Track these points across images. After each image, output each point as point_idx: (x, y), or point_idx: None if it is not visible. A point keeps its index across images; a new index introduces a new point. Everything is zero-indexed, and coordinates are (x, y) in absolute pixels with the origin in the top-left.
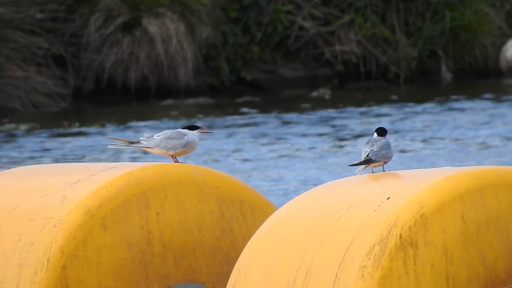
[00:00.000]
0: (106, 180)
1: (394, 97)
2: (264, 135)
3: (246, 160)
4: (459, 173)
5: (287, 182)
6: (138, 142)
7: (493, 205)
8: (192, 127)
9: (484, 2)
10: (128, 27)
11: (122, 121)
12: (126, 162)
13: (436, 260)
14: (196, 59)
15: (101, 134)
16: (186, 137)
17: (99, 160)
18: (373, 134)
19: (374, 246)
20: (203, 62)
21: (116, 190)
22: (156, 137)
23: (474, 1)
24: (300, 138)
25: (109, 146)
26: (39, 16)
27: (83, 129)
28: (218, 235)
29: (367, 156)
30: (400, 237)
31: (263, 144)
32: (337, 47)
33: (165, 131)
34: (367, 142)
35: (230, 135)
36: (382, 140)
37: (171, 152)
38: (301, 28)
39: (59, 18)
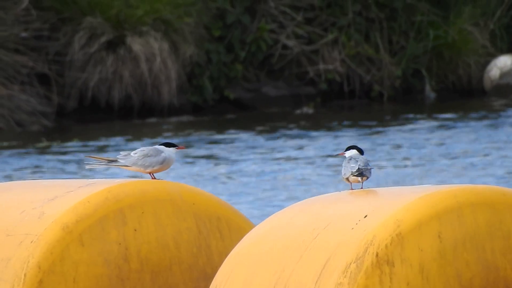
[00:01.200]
0: (84, 196)
1: (377, 115)
2: (245, 152)
3: (228, 177)
4: (436, 191)
5: (269, 200)
6: (115, 161)
7: (470, 224)
8: (168, 144)
9: (468, 21)
10: (112, 45)
11: (104, 139)
12: (104, 179)
13: (412, 278)
14: (179, 77)
15: (83, 151)
16: (163, 154)
17: (79, 176)
18: (344, 151)
19: (350, 264)
20: (186, 81)
21: (94, 207)
22: (133, 154)
23: (458, 20)
24: (282, 155)
25: (87, 167)
26: (23, 34)
27: (65, 147)
28: (195, 251)
29: (358, 170)
30: (377, 255)
31: (244, 162)
32: (321, 66)
33: (141, 149)
34: (350, 159)
35: (211, 153)
36: (363, 157)
37: (148, 170)
38: (284, 46)
39: (43, 37)
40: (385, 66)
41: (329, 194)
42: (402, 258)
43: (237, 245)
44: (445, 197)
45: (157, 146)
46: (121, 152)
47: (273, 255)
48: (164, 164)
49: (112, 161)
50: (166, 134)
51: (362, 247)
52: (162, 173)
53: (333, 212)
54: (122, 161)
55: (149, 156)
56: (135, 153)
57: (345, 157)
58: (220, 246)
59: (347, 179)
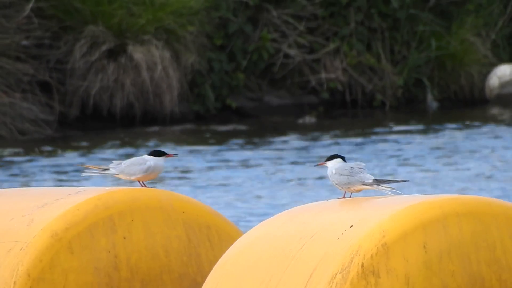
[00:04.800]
0: (74, 204)
1: (379, 124)
2: (245, 162)
3: (226, 186)
4: (422, 202)
5: (264, 209)
6: (108, 169)
7: (455, 234)
8: (157, 153)
9: (470, 31)
10: (113, 54)
11: (106, 147)
12: (94, 187)
13: None
14: (181, 86)
15: (83, 160)
16: (148, 163)
17: (74, 185)
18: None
19: (336, 274)
20: (188, 89)
21: (83, 214)
22: (122, 164)
23: (460, 30)
24: (282, 165)
25: (82, 174)
26: (25, 42)
27: (66, 155)
28: (185, 260)
29: (375, 179)
30: (362, 265)
31: (243, 170)
32: (323, 75)
33: (132, 158)
34: (352, 167)
35: (210, 161)
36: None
37: (133, 178)
38: (286, 55)
39: (45, 45)
40: (387, 75)
41: (317, 202)
42: (387, 269)
43: (225, 254)
44: (430, 207)
45: (144, 156)
46: (113, 161)
47: (260, 265)
48: (149, 172)
49: (105, 169)
50: (167, 142)
51: (348, 257)
52: (155, 181)
53: (320, 221)
54: (112, 170)
55: (134, 164)
56: (125, 163)
57: (327, 166)
58: (210, 255)
59: (348, 188)
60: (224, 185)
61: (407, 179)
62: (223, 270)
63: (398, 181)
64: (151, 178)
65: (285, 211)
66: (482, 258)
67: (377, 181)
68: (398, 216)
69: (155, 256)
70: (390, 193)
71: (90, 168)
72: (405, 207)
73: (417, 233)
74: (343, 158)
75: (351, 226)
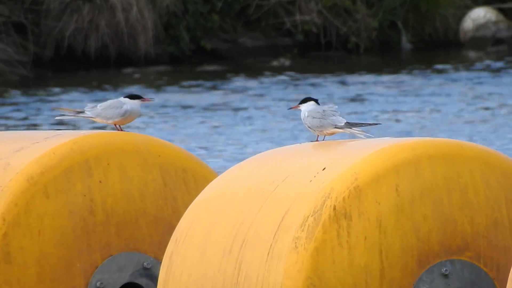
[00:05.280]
0: (49, 148)
1: (353, 67)
2: (220, 104)
3: (201, 129)
4: (394, 144)
5: (239, 150)
6: (83, 112)
7: (428, 177)
8: (133, 96)
9: None
10: None
11: (80, 89)
12: (70, 130)
13: (369, 232)
14: (156, 27)
15: (57, 101)
16: (125, 106)
17: (48, 128)
18: (299, 103)
19: (308, 217)
20: (163, 31)
21: (59, 158)
22: (98, 107)
23: None
24: (257, 108)
25: (56, 118)
26: None
27: (41, 96)
28: (161, 204)
29: (347, 123)
30: (334, 208)
31: (216, 113)
32: (298, 17)
33: (108, 101)
34: (325, 110)
35: (187, 105)
36: (332, 107)
37: (110, 121)
38: None
39: None
40: (362, 18)
41: (289, 146)
42: (359, 212)
43: (198, 197)
44: (402, 150)
45: (120, 98)
46: (88, 104)
47: (233, 207)
48: (126, 116)
49: (80, 112)
50: (142, 84)
51: (320, 200)
52: (131, 124)
53: (294, 164)
54: (88, 113)
55: (111, 108)
56: (101, 106)
57: (300, 110)
58: (186, 199)
59: (320, 131)
60: (199, 127)
61: (379, 122)
62: (196, 212)
63: (370, 124)
64: (128, 122)
65: (258, 154)
66: (454, 202)
67: (349, 124)
68: (370, 158)
69: (131, 200)
70: (362, 136)
71: (64, 111)
72: (378, 150)
73: (390, 175)
74: (316, 101)
75: (324, 168)
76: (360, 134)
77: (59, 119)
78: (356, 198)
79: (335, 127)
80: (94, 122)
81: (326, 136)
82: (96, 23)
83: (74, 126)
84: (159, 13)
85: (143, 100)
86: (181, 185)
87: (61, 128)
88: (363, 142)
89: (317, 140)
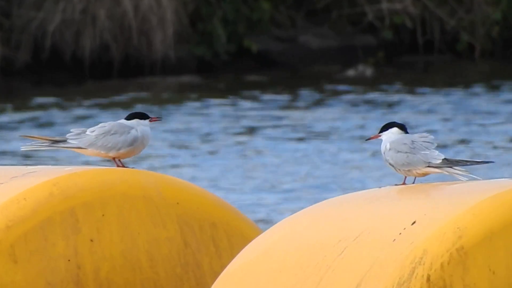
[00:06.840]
0: (19, 191)
1: (464, 78)
2: (267, 129)
3: (241, 163)
4: None
5: (291, 196)
6: (64, 141)
7: None
8: (140, 115)
9: None
10: None
11: (68, 109)
12: (49, 166)
13: None
14: (179, 20)
15: (34, 126)
16: (133, 131)
17: (16, 162)
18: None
19: None
20: (189, 25)
21: (33, 206)
22: (89, 133)
23: None
24: (321, 136)
25: (23, 148)
26: None
27: (11, 117)
28: (179, 272)
29: (445, 159)
30: (428, 279)
31: (260, 142)
32: (384, 6)
33: (101, 124)
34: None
35: (218, 131)
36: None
37: (112, 153)
38: None
39: None
40: (477, 7)
41: (364, 191)
42: (465, 284)
43: (232, 263)
44: None
45: (123, 121)
46: (72, 130)
47: (283, 277)
48: (136, 145)
49: (59, 141)
50: (157, 102)
51: (408, 267)
52: (136, 157)
53: (369, 217)
54: (73, 142)
55: (112, 134)
56: (93, 131)
57: (381, 140)
58: (216, 265)
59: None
60: (235, 163)
61: (492, 160)
62: (230, 285)
63: (478, 162)
64: (134, 154)
65: (320, 202)
66: None
67: (449, 162)
68: (480, 209)
69: (136, 267)
70: (466, 178)
71: (36, 139)
72: (490, 196)
73: (508, 233)
74: (403, 127)
75: (413, 223)
76: (464, 175)
77: (26, 150)
78: (460, 265)
79: (429, 166)
80: (80, 155)
81: (416, 178)
82: (92, 13)
83: (53, 159)
84: (182, 1)
85: (150, 120)
86: (209, 246)
87: (35, 163)
88: (468, 185)
89: (403, 183)
